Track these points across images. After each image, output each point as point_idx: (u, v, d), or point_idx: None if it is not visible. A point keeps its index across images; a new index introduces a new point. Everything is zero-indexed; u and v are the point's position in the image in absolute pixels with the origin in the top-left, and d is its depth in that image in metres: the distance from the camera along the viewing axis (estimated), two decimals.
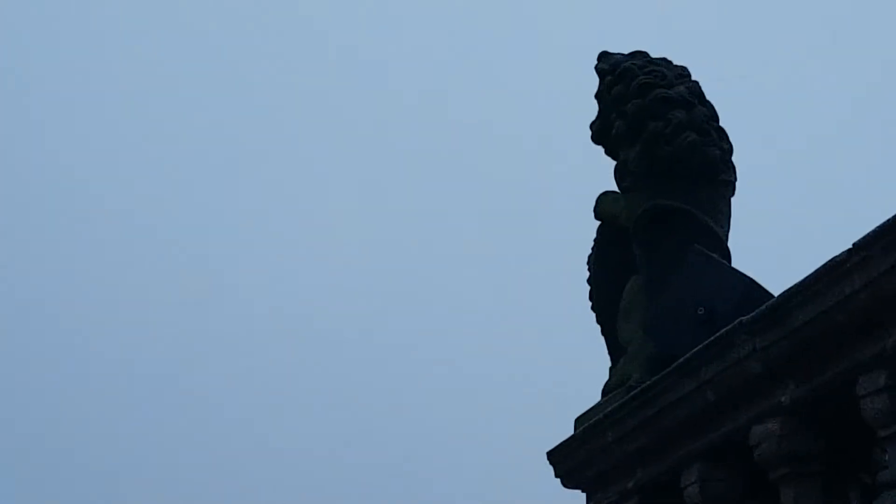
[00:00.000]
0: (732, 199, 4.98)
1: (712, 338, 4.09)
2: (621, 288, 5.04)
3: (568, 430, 5.03)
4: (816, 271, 3.59)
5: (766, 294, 4.21)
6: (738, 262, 4.76)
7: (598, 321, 5.19)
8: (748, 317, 3.90)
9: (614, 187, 5.13)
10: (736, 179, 4.99)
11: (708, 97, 5.04)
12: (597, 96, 5.20)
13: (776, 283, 4.06)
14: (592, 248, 5.27)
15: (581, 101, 5.43)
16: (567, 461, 4.99)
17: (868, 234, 3.40)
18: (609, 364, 5.11)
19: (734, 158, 5.00)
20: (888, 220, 3.33)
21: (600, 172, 5.25)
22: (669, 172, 4.86)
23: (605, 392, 4.94)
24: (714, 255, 4.63)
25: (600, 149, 5.24)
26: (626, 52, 5.20)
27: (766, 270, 4.57)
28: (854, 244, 3.45)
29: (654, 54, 5.18)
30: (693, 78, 5.08)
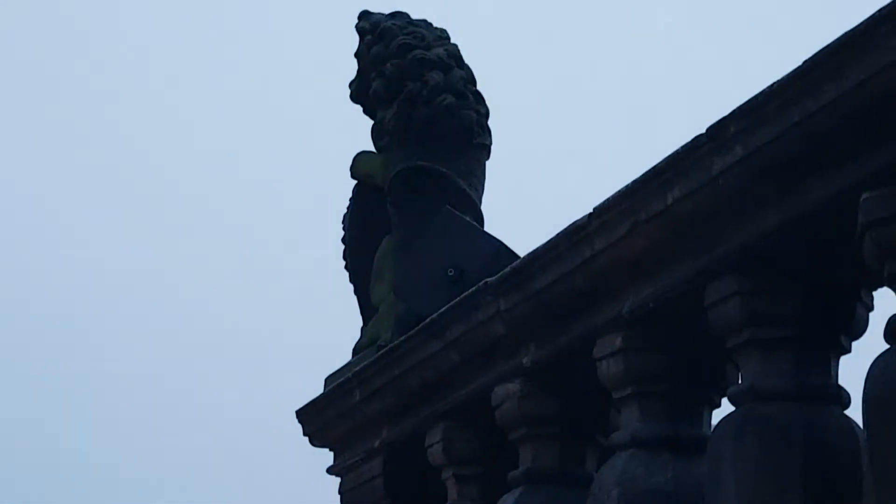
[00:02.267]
0: (487, 163, 5.03)
1: (458, 298, 4.13)
2: (375, 248, 5.04)
3: (319, 390, 5.02)
4: (558, 234, 3.65)
5: (515, 257, 4.25)
6: (494, 227, 4.81)
7: (352, 280, 5.19)
8: (493, 278, 3.94)
9: (372, 147, 5.13)
10: (491, 143, 5.03)
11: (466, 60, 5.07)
12: (356, 55, 5.18)
13: (529, 248, 4.10)
14: (348, 208, 5.26)
15: (342, 60, 5.41)
16: (315, 420, 4.98)
17: (608, 199, 3.46)
18: (361, 324, 5.11)
19: (490, 122, 5.04)
20: (627, 185, 3.40)
21: (358, 132, 5.25)
22: (426, 134, 4.88)
23: (355, 352, 4.94)
24: (465, 217, 4.66)
25: (359, 108, 5.23)
26: (387, 11, 5.19)
27: (519, 236, 4.63)
28: (595, 208, 3.51)
29: (415, 15, 5.19)
30: (452, 41, 5.11)
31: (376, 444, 4.68)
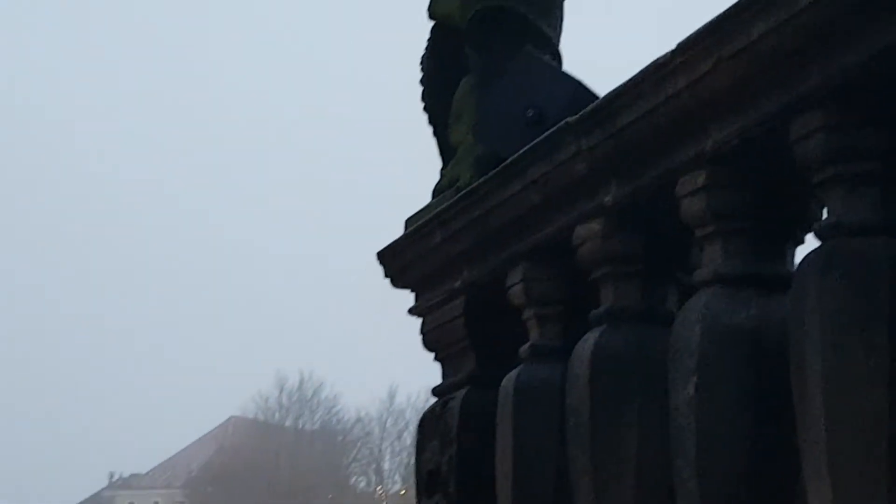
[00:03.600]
0: (565, 2, 4.97)
1: (539, 139, 4.12)
2: (454, 90, 5.03)
3: (400, 232, 5.06)
4: (641, 72, 3.61)
5: (594, 97, 4.23)
6: (572, 68, 4.78)
7: (431, 123, 5.19)
8: (574, 117, 3.92)
9: None
10: None
11: None
12: None
13: (605, 89, 4.07)
14: (426, 49, 5.24)
15: None
16: (396, 261, 5.03)
17: (691, 35, 3.42)
18: (441, 166, 5.12)
19: None
20: (710, 21, 3.35)
21: None
22: None
23: (435, 193, 4.96)
24: (545, 57, 4.63)
25: None
26: None
27: (596, 75, 4.60)
28: (678, 45, 3.47)
29: None
30: None
31: (457, 284, 4.72)
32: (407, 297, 5.12)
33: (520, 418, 4.25)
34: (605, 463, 3.83)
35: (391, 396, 63.56)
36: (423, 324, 5.00)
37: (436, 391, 4.95)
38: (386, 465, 62.53)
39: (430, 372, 5.14)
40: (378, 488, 60.85)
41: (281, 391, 69.05)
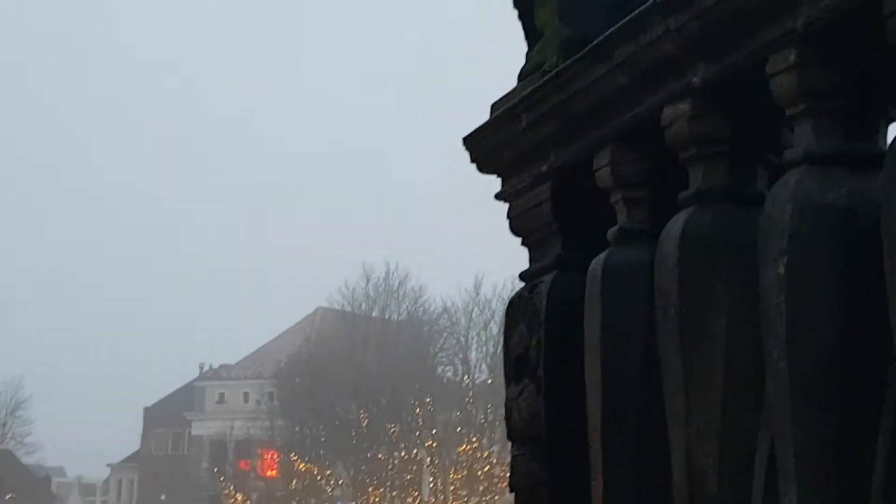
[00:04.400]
0: None
1: (626, 19, 4.07)
2: None
3: (486, 118, 5.04)
4: None
5: None
6: None
7: (516, 6, 5.14)
8: None
9: None
10: None
11: None
12: None
13: None
14: None
15: None
16: (482, 147, 5.02)
17: None
18: (526, 49, 5.08)
19: None
20: None
21: None
22: None
23: (520, 77, 4.93)
24: None
25: None
26: None
27: None
28: None
29: None
30: None
31: (543, 168, 4.70)
32: (493, 183, 5.12)
33: (608, 301, 4.25)
34: (693, 344, 3.83)
35: (477, 286, 63.84)
36: (510, 209, 4.99)
37: (523, 276, 4.95)
38: (472, 356, 62.96)
39: (515, 262, 5.14)
40: (465, 378, 61.32)
41: (367, 282, 69.64)
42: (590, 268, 4.36)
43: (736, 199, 3.90)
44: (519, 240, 5.05)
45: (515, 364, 4.78)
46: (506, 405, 4.83)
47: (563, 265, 4.70)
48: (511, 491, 4.84)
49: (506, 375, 4.88)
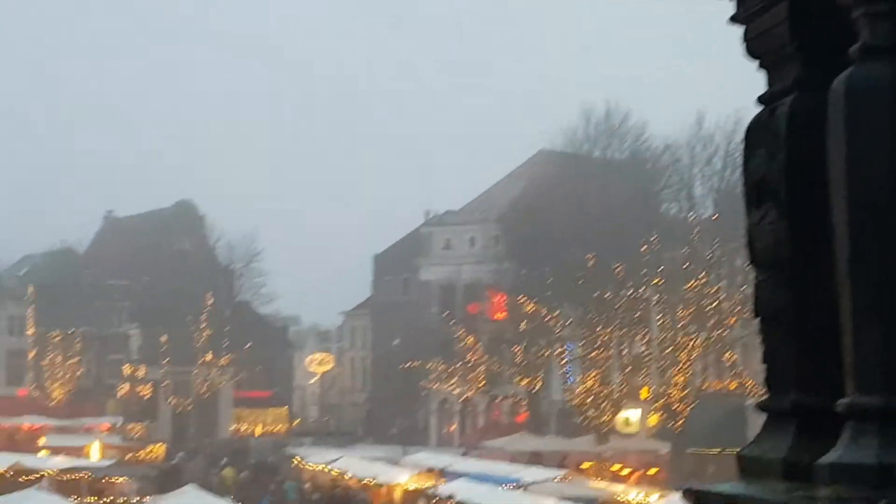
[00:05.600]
0: None
1: None
2: None
3: None
4: None
5: None
6: None
7: None
8: None
9: None
10: None
11: None
12: None
13: None
14: None
15: None
16: None
17: None
18: None
19: None
20: None
21: None
22: None
23: None
24: None
25: None
26: None
27: None
28: None
29: None
30: None
31: None
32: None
33: (853, 120, 4.14)
34: None
35: (699, 121, 62.85)
36: (746, 31, 4.88)
37: (761, 99, 4.85)
38: (697, 191, 62.38)
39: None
40: (689, 214, 60.84)
41: (588, 122, 69.29)
42: (832, 87, 4.25)
43: None
44: (745, 69, 4.95)
45: (755, 189, 4.71)
46: (747, 231, 4.78)
47: (804, 86, 4.59)
48: (755, 317, 4.82)
49: (746, 202, 4.82)
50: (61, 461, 48.27)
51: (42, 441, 64.50)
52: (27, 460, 47.95)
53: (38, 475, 43.69)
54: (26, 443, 67.76)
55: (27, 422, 75.77)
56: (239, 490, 48.03)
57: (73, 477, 44.17)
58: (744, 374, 57.37)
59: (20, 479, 42.29)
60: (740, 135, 4.89)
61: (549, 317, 64.05)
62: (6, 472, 44.08)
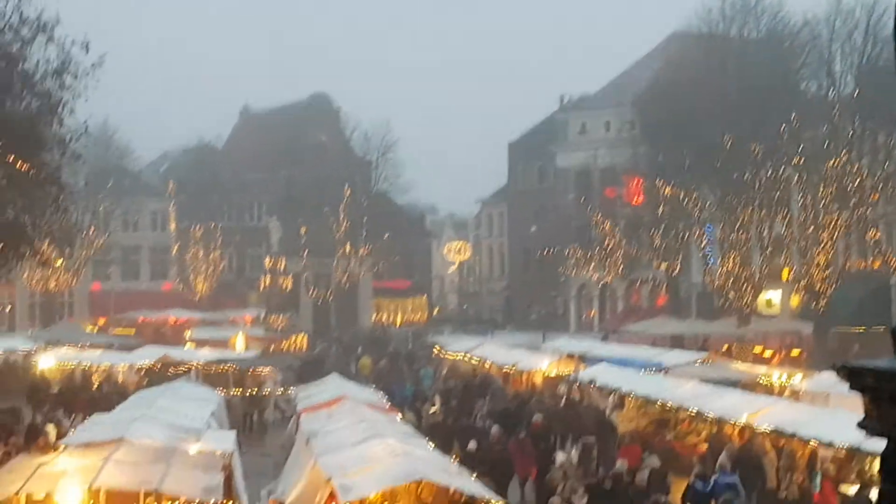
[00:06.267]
0: None
1: None
2: None
3: None
4: None
5: None
6: None
7: None
8: None
9: None
10: None
11: None
12: None
13: None
14: None
15: None
16: None
17: None
18: None
19: None
20: None
21: None
22: None
23: None
24: None
25: None
26: None
27: None
28: None
29: None
30: None
31: None
32: None
33: None
34: None
35: None
36: None
37: None
38: (837, 68, 60.73)
39: None
40: (830, 91, 59.37)
41: (724, 1, 67.77)
42: None
43: None
44: None
45: None
46: None
47: None
48: None
49: None
50: (207, 353, 49.25)
51: (188, 334, 65.87)
52: (175, 353, 49.00)
53: (186, 367, 44.65)
54: (173, 336, 69.40)
55: (173, 315, 77.46)
56: (377, 378, 48.63)
57: (220, 369, 45.06)
58: (888, 252, 56.37)
59: (168, 372, 43.25)
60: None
61: (687, 200, 63.37)
62: (155, 364, 45.09)
